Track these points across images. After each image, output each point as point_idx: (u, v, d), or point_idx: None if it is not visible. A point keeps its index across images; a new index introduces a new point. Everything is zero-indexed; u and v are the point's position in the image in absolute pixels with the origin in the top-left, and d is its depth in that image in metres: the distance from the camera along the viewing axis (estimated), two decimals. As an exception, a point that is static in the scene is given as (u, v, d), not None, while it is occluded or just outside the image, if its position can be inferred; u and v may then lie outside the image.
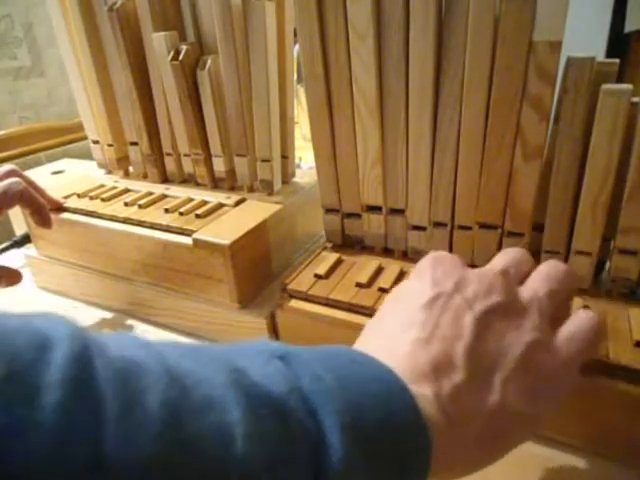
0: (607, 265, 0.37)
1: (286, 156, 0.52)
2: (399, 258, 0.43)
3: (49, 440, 0.13)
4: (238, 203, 0.48)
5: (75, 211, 0.50)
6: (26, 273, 0.51)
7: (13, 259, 0.56)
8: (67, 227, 0.49)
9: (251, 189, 0.51)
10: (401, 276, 0.40)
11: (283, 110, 0.49)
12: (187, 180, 0.55)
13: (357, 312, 0.37)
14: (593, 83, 0.31)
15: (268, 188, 0.49)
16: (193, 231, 0.42)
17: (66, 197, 0.52)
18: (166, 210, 0.47)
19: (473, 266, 0.40)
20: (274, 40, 0.45)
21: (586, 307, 0.34)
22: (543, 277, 0.26)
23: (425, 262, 0.27)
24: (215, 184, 0.53)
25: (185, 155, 0.53)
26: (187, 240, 0.42)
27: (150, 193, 0.52)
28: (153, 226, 0.45)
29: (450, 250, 0.41)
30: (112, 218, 0.47)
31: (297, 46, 0.41)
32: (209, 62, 0.46)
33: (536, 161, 0.34)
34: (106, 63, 0.52)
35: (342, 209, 0.44)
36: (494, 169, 0.36)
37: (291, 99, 0.51)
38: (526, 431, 0.23)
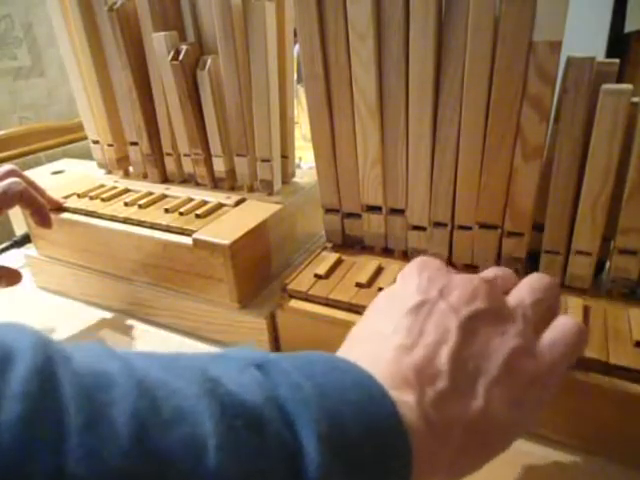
0: (607, 265, 0.37)
1: (286, 156, 0.52)
2: (399, 258, 0.43)
3: (8, 455, 0.13)
4: (238, 203, 0.48)
5: (75, 211, 0.50)
6: (26, 273, 0.51)
7: (13, 259, 0.56)
8: (67, 227, 0.49)
9: (251, 189, 0.51)
10: (401, 276, 0.40)
11: (283, 110, 0.49)
12: (187, 180, 0.55)
13: (357, 312, 0.37)
14: (593, 83, 0.31)
15: (268, 188, 0.49)
16: (193, 231, 0.42)
17: (66, 197, 0.52)
18: (166, 210, 0.47)
19: (473, 266, 0.40)
20: (274, 40, 0.45)
21: (587, 310, 0.34)
22: (528, 287, 0.26)
23: (410, 268, 0.27)
24: (215, 184, 0.53)
25: (185, 155, 0.53)
26: (187, 240, 0.42)
27: (150, 193, 0.52)
28: (153, 226, 0.45)
29: (450, 250, 0.41)
30: (112, 218, 0.47)
31: (297, 46, 0.41)
32: (209, 62, 0.46)
33: (536, 161, 0.34)
34: (106, 63, 0.52)
35: (342, 209, 0.44)
36: (494, 169, 0.36)
37: (291, 99, 0.51)
38: (509, 437, 0.23)
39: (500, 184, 0.36)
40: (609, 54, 1.43)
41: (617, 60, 0.32)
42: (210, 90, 0.47)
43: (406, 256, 0.43)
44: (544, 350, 0.24)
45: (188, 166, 0.53)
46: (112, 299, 0.50)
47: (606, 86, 0.30)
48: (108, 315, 0.50)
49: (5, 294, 0.51)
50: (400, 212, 0.42)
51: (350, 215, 0.44)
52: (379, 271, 0.41)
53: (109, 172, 0.60)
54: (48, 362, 0.15)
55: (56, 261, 0.53)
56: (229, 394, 0.17)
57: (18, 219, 0.59)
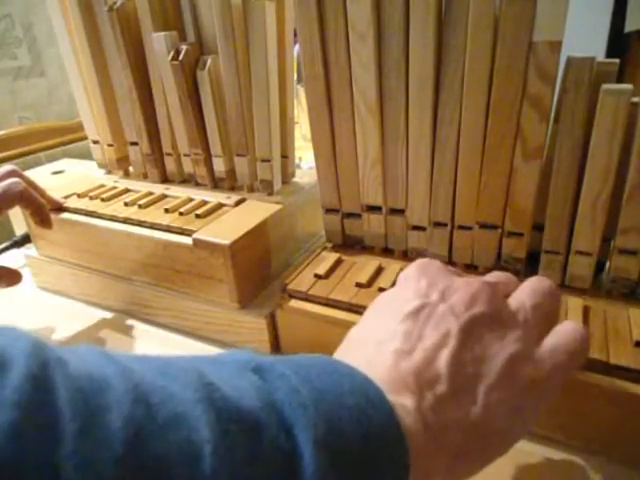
0: (607, 265, 0.37)
1: (286, 156, 0.52)
2: (399, 258, 0.43)
3: (2, 462, 0.12)
4: (238, 203, 0.48)
5: (75, 211, 0.50)
6: (26, 273, 0.51)
7: (13, 259, 0.56)
8: (67, 227, 0.49)
9: (251, 189, 0.51)
10: (401, 276, 0.40)
11: (283, 110, 0.49)
12: (187, 180, 0.55)
13: (357, 312, 0.36)
14: (593, 83, 0.31)
15: (268, 188, 0.49)
16: (193, 231, 0.42)
17: (66, 197, 0.52)
18: (166, 210, 0.47)
19: (473, 266, 0.40)
20: (274, 40, 0.45)
21: (592, 311, 0.34)
22: (528, 291, 0.26)
23: (411, 270, 0.27)
24: (215, 184, 0.53)
25: (185, 155, 0.53)
26: (187, 240, 0.42)
27: (150, 193, 0.52)
28: (153, 226, 0.45)
29: (450, 250, 0.41)
30: (112, 218, 0.47)
31: (297, 46, 0.41)
32: (209, 62, 0.46)
33: (536, 161, 0.34)
34: (106, 63, 0.52)
35: (342, 209, 0.44)
36: (494, 169, 0.36)
37: (291, 99, 0.51)
38: (508, 441, 0.23)
39: (500, 184, 0.36)
40: (609, 54, 1.43)
41: (617, 60, 0.32)
42: (210, 90, 0.47)
43: (406, 256, 0.43)
44: (545, 355, 0.23)
45: (188, 166, 0.53)
46: (112, 299, 0.50)
47: (606, 86, 0.30)
48: (108, 315, 0.50)
49: (5, 294, 0.51)
50: (400, 212, 0.42)
51: (350, 215, 0.44)
52: (379, 271, 0.41)
53: (109, 172, 0.60)
54: (43, 367, 0.15)
55: (56, 261, 0.53)
56: (225, 399, 0.17)
57: (18, 219, 0.59)
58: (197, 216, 0.45)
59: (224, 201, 0.48)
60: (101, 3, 0.49)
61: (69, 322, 0.49)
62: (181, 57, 0.46)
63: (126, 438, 0.14)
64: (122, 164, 0.58)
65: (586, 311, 0.34)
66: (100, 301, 0.51)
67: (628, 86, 0.30)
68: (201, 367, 0.19)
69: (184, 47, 0.47)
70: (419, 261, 0.28)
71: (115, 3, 0.48)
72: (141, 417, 0.15)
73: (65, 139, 1.11)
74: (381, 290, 0.38)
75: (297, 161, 0.61)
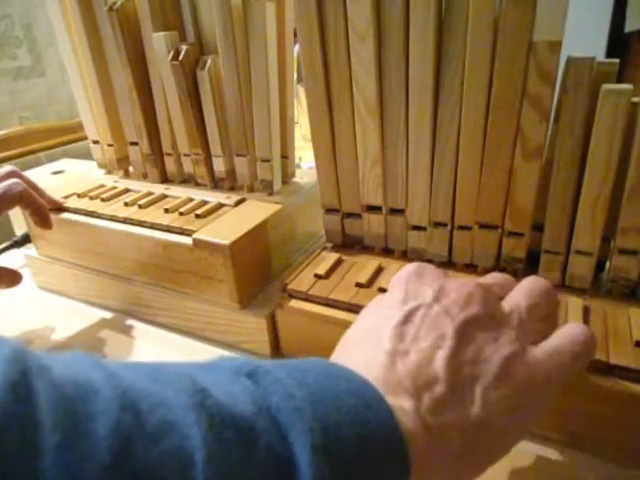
0: (607, 265, 0.37)
1: (286, 156, 0.52)
2: (399, 258, 0.43)
3: None
4: (238, 203, 0.48)
5: (75, 211, 0.50)
6: (26, 273, 0.51)
7: (13, 259, 0.56)
8: (67, 227, 0.49)
9: (251, 189, 0.51)
10: (401, 276, 0.40)
11: (283, 110, 0.49)
12: (187, 180, 0.55)
13: (357, 312, 0.36)
14: (593, 83, 0.31)
15: (268, 188, 0.49)
16: (193, 231, 0.42)
17: (66, 197, 0.52)
18: (166, 210, 0.47)
19: (473, 266, 0.40)
20: (274, 40, 0.45)
21: (587, 314, 0.34)
22: (524, 292, 0.26)
23: (404, 273, 0.27)
24: (215, 184, 0.53)
25: (185, 155, 0.53)
26: (187, 240, 0.42)
27: (150, 193, 0.52)
28: (153, 226, 0.45)
29: (450, 250, 0.41)
30: (112, 218, 0.47)
31: (297, 46, 0.41)
32: (209, 62, 0.46)
33: (536, 161, 0.34)
34: (106, 63, 0.52)
35: (342, 209, 0.44)
36: (494, 169, 0.36)
37: (291, 99, 0.51)
38: (507, 442, 0.23)
39: (500, 184, 0.36)
40: (609, 54, 1.43)
41: (617, 60, 0.32)
42: (210, 90, 0.47)
43: (406, 256, 0.43)
44: (544, 356, 0.23)
45: (188, 166, 0.53)
46: (112, 299, 0.50)
47: (606, 86, 0.30)
48: (108, 315, 0.50)
49: (5, 294, 0.51)
50: (400, 212, 0.42)
51: (350, 215, 0.44)
52: (379, 271, 0.41)
53: (109, 172, 0.60)
54: (24, 375, 0.14)
55: (56, 261, 0.53)
56: (218, 405, 0.17)
57: (18, 219, 0.59)
58: (197, 216, 0.45)
59: (224, 201, 0.48)
60: (101, 3, 0.49)
61: (69, 322, 0.49)
62: (181, 57, 0.46)
63: (113, 447, 0.14)
64: (122, 164, 0.58)
65: (586, 311, 0.34)
66: (100, 301, 0.51)
67: (628, 86, 0.30)
68: (194, 373, 0.18)
69: (184, 47, 0.47)
70: (414, 264, 0.28)
71: (115, 3, 0.48)
72: (129, 425, 0.15)
73: (65, 139, 1.11)
74: (381, 290, 0.38)
75: (297, 161, 0.61)
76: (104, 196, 0.51)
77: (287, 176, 0.53)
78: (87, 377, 0.16)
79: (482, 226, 0.38)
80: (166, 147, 0.54)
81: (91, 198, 0.51)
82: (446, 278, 0.26)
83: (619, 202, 0.33)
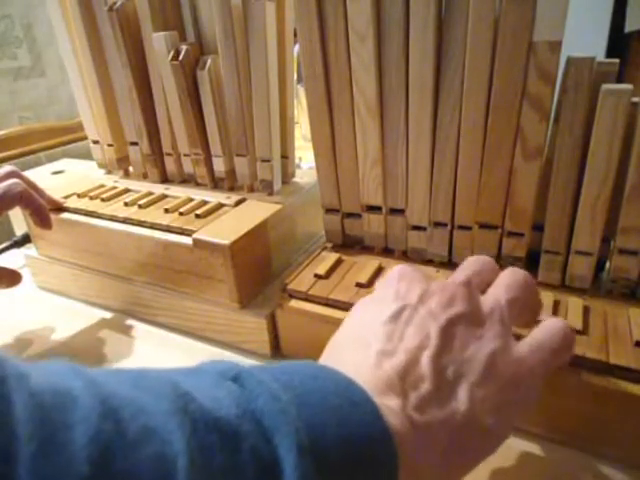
0: (607, 265, 0.37)
1: (286, 156, 0.52)
2: (399, 258, 0.43)
3: None
4: (238, 203, 0.48)
5: (75, 211, 0.50)
6: (26, 273, 0.51)
7: (13, 259, 0.56)
8: (67, 227, 0.49)
9: (251, 189, 0.51)
10: (401, 276, 0.40)
11: (283, 110, 0.49)
12: (187, 180, 0.55)
13: (357, 312, 0.36)
14: (593, 83, 0.31)
15: (268, 188, 0.49)
16: (193, 231, 0.42)
17: (66, 197, 0.52)
18: (166, 210, 0.47)
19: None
20: (274, 40, 0.45)
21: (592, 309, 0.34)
22: (503, 286, 0.26)
23: (390, 276, 0.28)
24: (215, 184, 0.53)
25: (185, 155, 0.53)
26: (187, 240, 0.42)
27: (150, 193, 0.52)
28: (153, 226, 0.45)
29: (450, 250, 0.41)
30: (112, 218, 0.47)
31: (297, 46, 0.41)
32: (209, 62, 0.46)
33: (536, 161, 0.34)
34: (106, 63, 0.52)
35: (342, 209, 0.44)
36: (494, 169, 0.36)
37: (291, 99, 0.51)
38: (495, 439, 0.23)
39: (500, 184, 0.36)
40: (609, 54, 1.43)
41: (617, 60, 0.32)
42: (210, 90, 0.47)
43: (406, 256, 0.43)
44: (526, 350, 0.24)
45: (188, 166, 0.53)
46: (112, 299, 0.50)
47: (606, 86, 0.30)
48: (108, 315, 0.50)
49: (5, 294, 0.51)
50: (400, 212, 0.42)
51: (350, 215, 0.44)
52: (379, 271, 0.41)
53: (109, 172, 0.60)
54: (1, 384, 0.14)
55: (56, 261, 0.53)
56: (202, 409, 0.17)
57: (18, 219, 0.59)
58: (197, 216, 0.45)
59: (224, 201, 0.48)
60: (101, 3, 0.49)
61: (69, 322, 0.49)
62: (181, 57, 0.46)
63: (92, 456, 0.14)
64: (122, 164, 0.58)
65: (586, 311, 0.34)
66: (100, 301, 0.51)
67: (628, 86, 0.30)
68: (177, 378, 0.18)
69: (184, 47, 0.47)
70: (397, 267, 0.28)
71: (115, 3, 0.48)
72: (109, 433, 0.14)
73: (65, 139, 1.11)
74: (381, 290, 0.38)
75: (297, 161, 0.61)
76: (104, 196, 0.51)
77: (287, 176, 0.53)
78: (66, 385, 0.16)
79: (482, 226, 0.38)
80: (166, 147, 0.54)
81: (91, 198, 0.51)
82: (429, 281, 0.27)
83: (619, 202, 0.33)
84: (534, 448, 0.32)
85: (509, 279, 0.27)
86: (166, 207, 0.47)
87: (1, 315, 0.52)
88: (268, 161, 0.48)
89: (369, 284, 0.39)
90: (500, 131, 0.34)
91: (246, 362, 0.24)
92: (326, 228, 0.46)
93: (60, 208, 0.50)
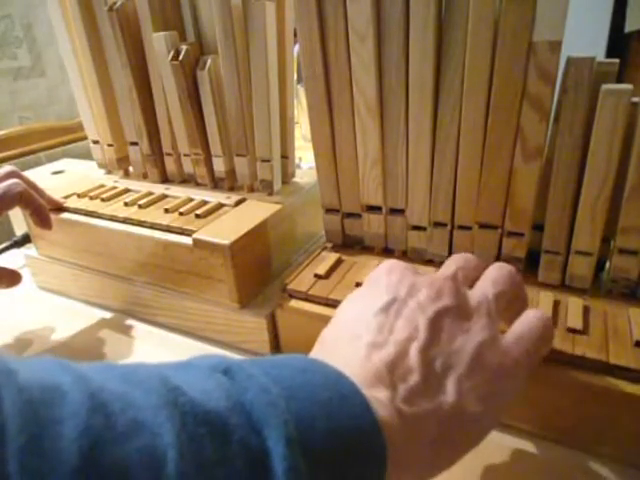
0: (607, 265, 0.37)
1: (286, 156, 0.52)
2: (399, 258, 0.43)
3: None
4: (238, 203, 0.48)
5: (75, 211, 0.50)
6: (26, 273, 0.51)
7: (13, 259, 0.56)
8: (67, 227, 0.49)
9: (251, 189, 0.51)
10: (401, 276, 0.40)
11: (283, 110, 0.49)
12: (187, 180, 0.55)
13: (357, 312, 0.36)
14: (593, 83, 0.31)
15: (268, 188, 0.49)
16: (193, 231, 0.42)
17: (66, 197, 0.52)
18: (166, 210, 0.47)
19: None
20: (274, 40, 0.45)
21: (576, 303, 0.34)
22: (490, 281, 0.27)
23: (378, 270, 0.28)
24: (215, 184, 0.53)
25: (185, 155, 0.53)
26: (187, 240, 0.42)
27: (150, 193, 0.52)
28: (153, 226, 0.45)
29: (450, 250, 0.41)
30: (112, 218, 0.47)
31: (297, 46, 0.41)
32: (209, 62, 0.46)
33: (536, 161, 0.34)
34: (106, 63, 0.52)
35: (342, 209, 0.44)
36: (494, 169, 0.36)
37: (291, 99, 0.51)
38: (482, 429, 0.23)
39: (500, 184, 0.36)
40: (609, 54, 1.43)
41: (617, 60, 0.32)
42: (210, 90, 0.47)
43: (406, 256, 0.43)
44: (511, 344, 0.24)
45: (188, 166, 0.53)
46: (112, 299, 0.50)
47: (606, 86, 0.30)
48: (108, 315, 0.50)
49: (5, 294, 0.51)
50: (400, 212, 0.42)
51: (350, 215, 0.44)
52: (379, 271, 0.41)
53: (109, 172, 0.60)
54: None
55: (56, 261, 0.53)
56: (192, 402, 0.17)
57: (18, 219, 0.59)
58: (197, 216, 0.45)
59: (224, 201, 0.48)
60: (101, 3, 0.49)
61: (69, 322, 0.49)
62: (181, 57, 0.46)
63: (82, 449, 0.14)
64: (122, 164, 0.58)
65: (586, 311, 0.34)
66: (100, 301, 0.51)
67: (628, 86, 0.30)
68: (167, 373, 0.19)
69: (184, 47, 0.47)
70: (386, 262, 0.29)
71: (115, 3, 0.48)
72: (99, 427, 0.15)
73: (65, 139, 1.11)
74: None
75: (297, 161, 0.61)
76: (104, 196, 0.51)
77: (287, 176, 0.53)
78: (55, 380, 0.16)
79: (482, 226, 0.38)
80: (166, 147, 0.54)
81: (91, 198, 0.51)
82: (417, 275, 0.27)
83: (619, 202, 0.33)
84: (531, 447, 0.32)
85: (496, 274, 0.27)
86: (166, 207, 0.47)
87: (1, 315, 0.52)
88: (268, 161, 0.48)
89: (369, 284, 0.39)
90: (500, 131, 0.34)
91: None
92: (326, 228, 0.46)
93: (60, 208, 0.50)
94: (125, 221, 0.47)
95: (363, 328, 0.24)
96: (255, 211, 0.46)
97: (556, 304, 0.35)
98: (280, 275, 0.46)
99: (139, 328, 0.48)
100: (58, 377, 0.16)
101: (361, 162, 0.40)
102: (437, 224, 0.40)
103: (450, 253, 0.41)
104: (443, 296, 0.25)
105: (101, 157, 0.60)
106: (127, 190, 0.53)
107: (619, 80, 0.31)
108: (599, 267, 0.37)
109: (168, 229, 0.45)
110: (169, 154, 0.54)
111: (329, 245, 0.46)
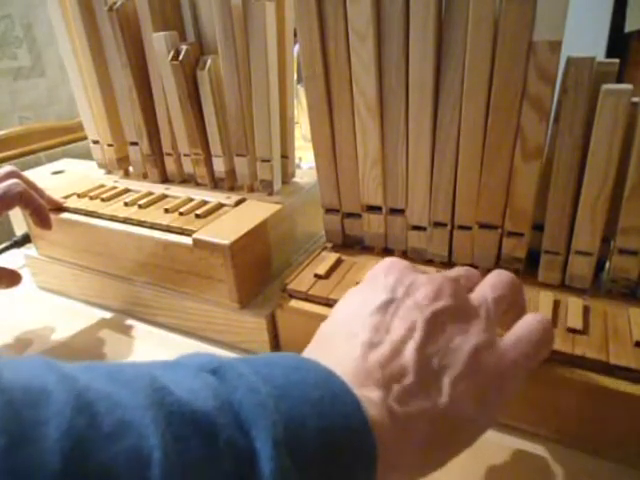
0: (607, 265, 0.37)
1: (286, 156, 0.52)
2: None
3: None
4: (238, 203, 0.48)
5: (75, 211, 0.50)
6: (26, 273, 0.51)
7: (13, 259, 0.56)
8: (67, 227, 0.49)
9: (251, 189, 0.51)
10: (401, 276, 0.40)
11: (283, 110, 0.49)
12: (187, 180, 0.55)
13: (357, 312, 0.36)
14: (593, 83, 0.31)
15: (268, 188, 0.49)
16: (193, 231, 0.42)
17: (66, 197, 0.52)
18: (166, 210, 0.47)
19: (473, 266, 0.40)
20: (274, 40, 0.45)
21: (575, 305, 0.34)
22: (490, 285, 0.27)
23: (377, 268, 0.28)
24: (215, 184, 0.53)
25: (185, 155, 0.53)
26: (187, 240, 0.42)
27: (150, 193, 0.52)
28: (153, 226, 0.45)
29: (450, 250, 0.41)
30: (112, 218, 0.47)
31: (297, 46, 0.41)
32: (209, 62, 0.46)
33: (536, 161, 0.34)
34: (106, 63, 0.52)
35: (342, 209, 0.44)
36: (494, 169, 0.36)
37: (291, 99, 0.51)
38: (475, 431, 0.23)
39: (500, 184, 0.36)
40: (609, 54, 1.43)
41: (617, 60, 0.32)
42: (210, 90, 0.47)
43: (406, 256, 0.43)
44: (508, 348, 0.24)
45: (188, 166, 0.53)
46: (112, 299, 0.50)
47: (606, 86, 0.30)
48: (108, 315, 0.50)
49: (5, 294, 0.51)
50: (400, 212, 0.42)
51: (350, 215, 0.44)
52: (379, 271, 0.41)
53: (109, 172, 0.60)
54: None
55: (56, 261, 0.53)
56: (179, 402, 0.17)
57: (18, 219, 0.59)
58: (197, 216, 0.45)
59: (224, 201, 0.48)
60: (101, 3, 0.49)
61: (69, 322, 0.49)
62: (181, 57, 0.46)
63: (65, 450, 0.14)
64: (122, 164, 0.58)
65: (586, 311, 0.34)
66: (100, 301, 0.51)
67: (628, 86, 0.30)
68: (154, 372, 0.18)
69: (184, 47, 0.47)
70: (386, 260, 0.28)
71: (115, 3, 0.48)
72: (83, 427, 0.14)
73: (65, 139, 1.11)
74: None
75: (297, 161, 0.61)
76: (104, 196, 0.51)
77: (287, 176, 0.53)
78: (40, 380, 0.16)
79: (482, 226, 0.38)
80: (166, 147, 0.54)
81: (91, 198, 0.51)
82: (416, 273, 0.27)
83: (619, 202, 0.33)
84: (531, 447, 0.32)
85: (495, 279, 0.27)
86: (166, 207, 0.47)
87: (1, 315, 0.52)
88: (268, 161, 0.48)
89: (369, 284, 0.39)
90: (500, 131, 0.34)
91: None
92: (326, 228, 0.46)
93: (60, 208, 0.50)
94: (125, 221, 0.47)
95: (359, 326, 0.24)
96: (255, 211, 0.46)
97: (556, 304, 0.35)
98: (280, 275, 0.46)
99: (139, 328, 0.48)
100: (43, 377, 0.16)
101: (361, 162, 0.40)
102: (437, 224, 0.40)
103: (450, 253, 0.41)
104: (442, 296, 0.25)
105: (101, 157, 0.60)
106: (127, 190, 0.53)
107: (619, 80, 0.31)
108: (599, 267, 0.37)
109: (168, 229, 0.45)
110: (169, 154, 0.54)
111: (329, 245, 0.46)
